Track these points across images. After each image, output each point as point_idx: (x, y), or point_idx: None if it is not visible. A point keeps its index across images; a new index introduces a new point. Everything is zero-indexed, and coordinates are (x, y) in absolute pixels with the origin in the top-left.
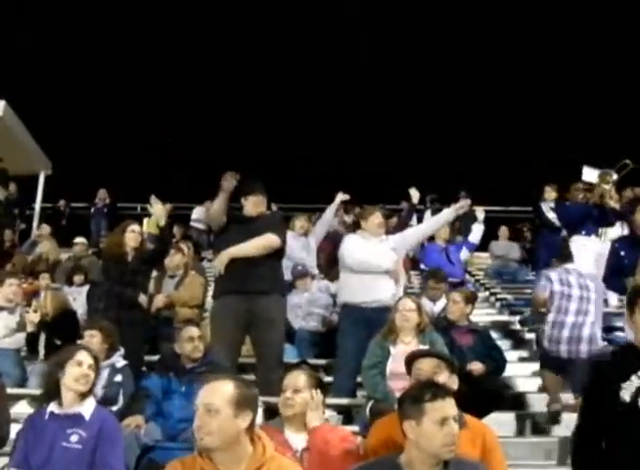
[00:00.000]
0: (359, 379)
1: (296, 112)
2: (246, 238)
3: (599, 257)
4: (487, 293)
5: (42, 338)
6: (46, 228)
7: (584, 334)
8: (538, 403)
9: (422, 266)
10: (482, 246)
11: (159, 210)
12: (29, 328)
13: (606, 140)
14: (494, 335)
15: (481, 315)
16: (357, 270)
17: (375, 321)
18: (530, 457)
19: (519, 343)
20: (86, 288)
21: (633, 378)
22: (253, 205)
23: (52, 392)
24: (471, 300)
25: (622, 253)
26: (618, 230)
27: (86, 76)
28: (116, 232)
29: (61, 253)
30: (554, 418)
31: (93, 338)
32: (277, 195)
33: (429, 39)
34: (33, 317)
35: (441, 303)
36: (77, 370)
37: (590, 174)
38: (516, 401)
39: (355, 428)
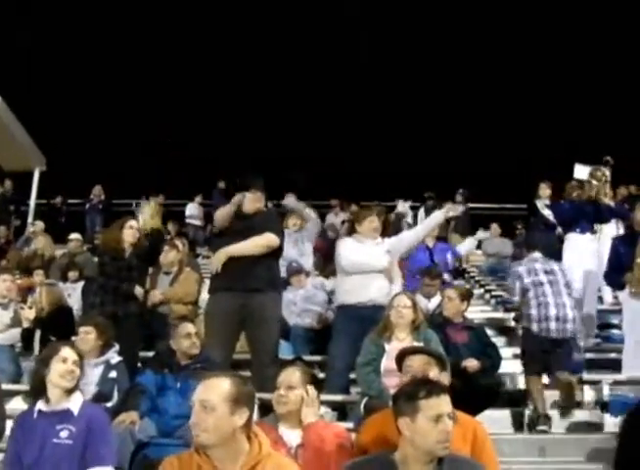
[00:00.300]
0: (352, 376)
1: (295, 111)
2: (243, 234)
3: (593, 254)
4: (482, 290)
5: (37, 334)
6: (40, 224)
7: (569, 315)
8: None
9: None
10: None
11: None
12: (25, 324)
13: (605, 139)
14: (489, 332)
15: (476, 312)
16: (352, 272)
17: (369, 319)
18: (525, 454)
19: (513, 339)
20: (81, 284)
21: None
22: (251, 201)
23: (38, 389)
24: (466, 297)
25: (621, 250)
26: (614, 227)
27: (82, 74)
28: (114, 228)
29: (56, 249)
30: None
31: (88, 334)
32: (275, 193)
33: (428, 39)
34: (28, 314)
35: (436, 299)
36: (62, 366)
37: (581, 172)
38: (510, 398)
39: (350, 424)
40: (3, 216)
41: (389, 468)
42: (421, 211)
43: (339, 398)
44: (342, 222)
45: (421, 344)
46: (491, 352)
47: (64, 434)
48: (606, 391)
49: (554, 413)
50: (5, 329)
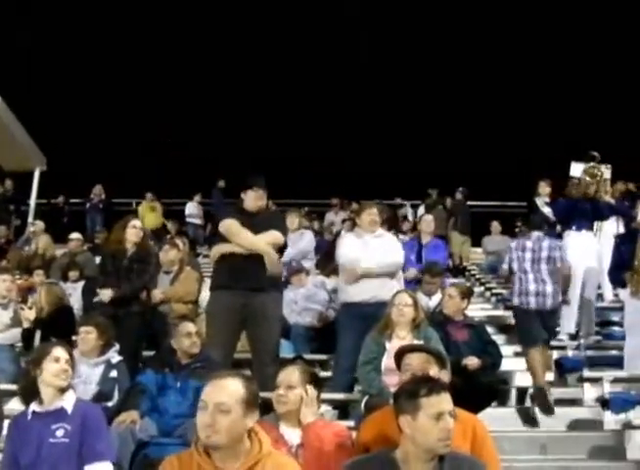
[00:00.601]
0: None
1: (294, 111)
2: None
3: (591, 252)
4: (482, 288)
5: (38, 334)
6: (40, 224)
7: (548, 290)
8: None
9: None
10: (476, 241)
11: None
12: (25, 325)
13: (605, 138)
14: (489, 330)
15: (477, 310)
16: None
17: (372, 316)
18: (526, 451)
19: (514, 337)
20: (81, 284)
21: None
22: (253, 199)
23: (31, 391)
24: (466, 295)
25: (623, 247)
26: (614, 225)
27: (82, 74)
28: (117, 228)
29: (55, 249)
30: (544, 406)
31: (89, 334)
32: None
33: (428, 39)
34: (28, 314)
35: (437, 297)
36: (55, 366)
37: (576, 169)
38: (511, 396)
39: (351, 423)
40: (3, 216)
41: (390, 466)
42: (421, 208)
43: (340, 396)
44: (343, 221)
45: (421, 342)
46: (492, 350)
47: (59, 433)
48: (607, 388)
49: (555, 410)
50: (5, 329)
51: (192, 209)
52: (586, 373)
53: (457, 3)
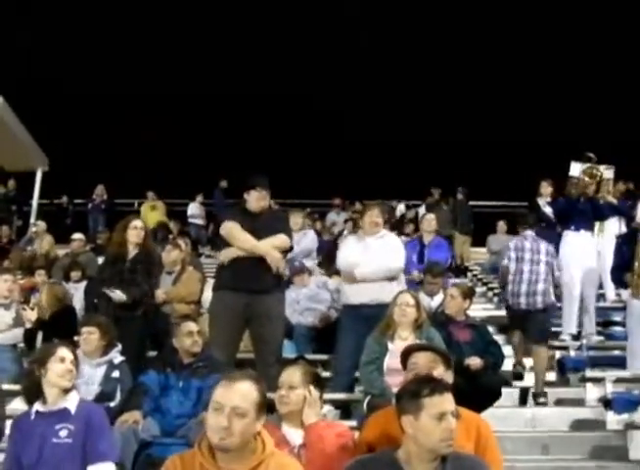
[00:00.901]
0: (357, 374)
1: (295, 110)
2: (249, 233)
3: (591, 252)
4: (485, 288)
5: (40, 334)
6: (42, 225)
7: (539, 289)
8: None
9: None
10: (480, 241)
11: None
12: (27, 325)
13: (605, 138)
14: (492, 330)
15: (479, 310)
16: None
17: (373, 318)
18: (528, 452)
19: None
20: (83, 284)
21: None
22: (256, 200)
23: (34, 391)
24: (468, 295)
25: (625, 248)
26: (616, 225)
27: (82, 73)
28: (118, 229)
29: (57, 249)
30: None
31: (91, 334)
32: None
33: (428, 38)
34: (30, 315)
35: (439, 298)
36: (61, 367)
37: (575, 168)
38: (513, 396)
39: (353, 423)
40: (5, 216)
41: (393, 466)
42: (422, 208)
43: (342, 396)
44: (345, 221)
45: (424, 342)
46: (494, 351)
47: (63, 433)
48: (609, 388)
49: (558, 410)
50: (7, 329)
51: (194, 209)
52: (589, 373)
53: (457, 4)
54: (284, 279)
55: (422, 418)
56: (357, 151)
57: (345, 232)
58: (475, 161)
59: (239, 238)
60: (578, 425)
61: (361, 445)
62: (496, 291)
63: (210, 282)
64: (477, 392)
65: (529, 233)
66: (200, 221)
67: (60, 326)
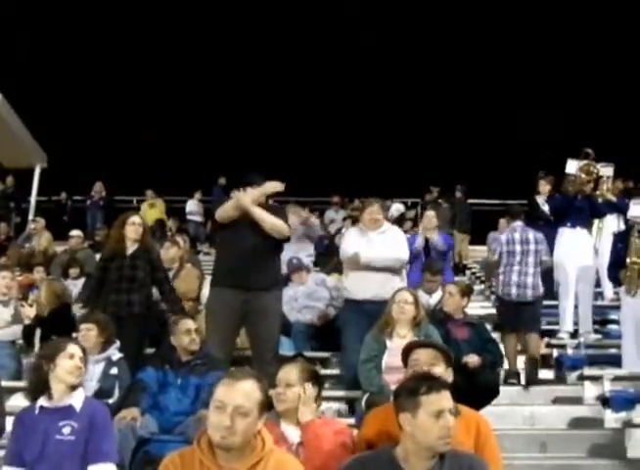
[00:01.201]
0: None
1: (295, 109)
2: (246, 229)
3: (587, 249)
4: (483, 286)
5: (38, 331)
6: (41, 221)
7: (529, 282)
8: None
9: None
10: (481, 238)
11: None
12: (26, 322)
13: (605, 138)
14: (489, 328)
15: (477, 308)
16: (350, 265)
17: (376, 314)
18: (526, 450)
19: None
20: (82, 281)
21: None
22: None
23: (40, 386)
24: (466, 293)
25: (620, 245)
26: (615, 223)
27: (82, 72)
28: (116, 226)
29: (55, 246)
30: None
31: (89, 331)
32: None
33: (427, 39)
34: (29, 312)
35: (437, 295)
36: (70, 363)
37: (572, 166)
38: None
39: (353, 420)
40: (4, 213)
41: (391, 464)
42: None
43: (341, 393)
44: (344, 219)
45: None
46: (492, 348)
47: (66, 430)
48: (607, 386)
49: (555, 409)
50: (6, 326)
51: (192, 206)
52: (586, 371)
53: (458, 4)
54: (281, 276)
55: (419, 416)
56: (356, 148)
57: (344, 230)
58: (473, 159)
59: (232, 203)
60: (576, 423)
61: (360, 442)
62: (494, 289)
63: (209, 279)
64: (474, 389)
65: (518, 224)
66: (198, 218)
67: (58, 323)
